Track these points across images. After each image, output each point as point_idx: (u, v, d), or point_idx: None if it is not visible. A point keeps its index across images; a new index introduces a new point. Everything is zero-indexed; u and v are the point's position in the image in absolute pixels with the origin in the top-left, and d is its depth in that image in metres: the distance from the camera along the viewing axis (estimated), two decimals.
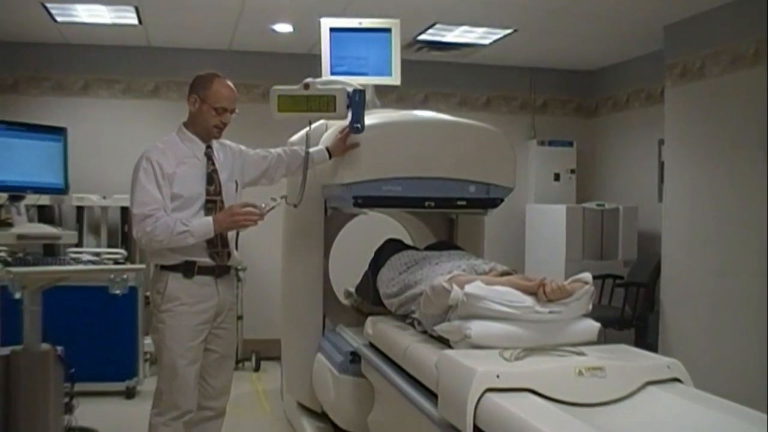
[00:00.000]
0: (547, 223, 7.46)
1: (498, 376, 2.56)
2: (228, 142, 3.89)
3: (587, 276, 3.13)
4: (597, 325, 3.13)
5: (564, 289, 3.04)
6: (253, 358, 6.94)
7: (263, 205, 3.59)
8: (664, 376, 2.76)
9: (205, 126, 3.67)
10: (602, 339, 3.15)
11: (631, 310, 6.33)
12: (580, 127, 8.36)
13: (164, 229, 3.46)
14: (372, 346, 3.94)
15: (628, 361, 2.83)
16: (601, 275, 6.67)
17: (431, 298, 3.25)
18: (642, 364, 2.80)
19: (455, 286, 3.09)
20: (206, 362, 3.71)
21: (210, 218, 3.57)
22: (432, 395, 2.96)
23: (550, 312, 3.01)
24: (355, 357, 4.01)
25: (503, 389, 2.54)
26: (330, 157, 4.09)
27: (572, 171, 8.07)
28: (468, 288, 3.04)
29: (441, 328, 3.17)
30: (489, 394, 2.53)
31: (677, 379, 2.77)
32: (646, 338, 6.40)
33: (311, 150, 4.03)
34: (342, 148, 4.05)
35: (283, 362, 4.98)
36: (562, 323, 3.05)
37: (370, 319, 4.05)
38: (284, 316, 4.90)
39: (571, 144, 8.08)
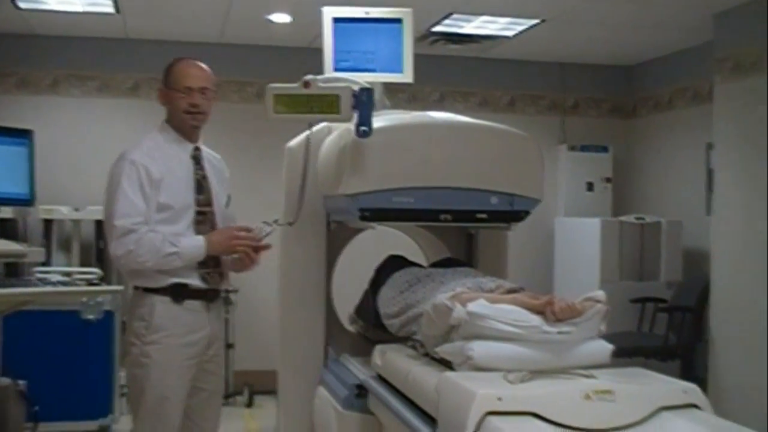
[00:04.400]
0: (579, 239, 7.61)
1: (500, 399, 2.74)
2: (217, 157, 3.96)
3: (600, 294, 3.30)
4: (609, 346, 3.29)
5: (574, 308, 3.20)
6: (246, 392, 7.09)
7: (259, 232, 3.76)
8: (680, 402, 2.93)
9: (177, 116, 3.75)
10: None
11: (676, 339, 6.45)
12: (617, 129, 8.50)
13: (149, 248, 3.49)
14: (380, 378, 3.97)
15: (641, 384, 3.02)
16: (641, 298, 6.90)
17: (433, 317, 3.40)
18: (656, 388, 2.99)
19: (458, 305, 3.24)
20: (194, 402, 3.74)
21: (202, 239, 3.62)
22: (435, 423, 3.10)
23: (559, 332, 3.16)
24: (361, 390, 4.04)
25: (505, 413, 2.73)
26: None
27: (608, 180, 8.18)
28: (471, 306, 3.20)
29: (443, 350, 3.32)
30: (490, 418, 2.71)
31: (695, 405, 2.94)
32: (694, 370, 6.49)
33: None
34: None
35: (280, 397, 4.96)
36: (571, 344, 3.21)
37: (378, 347, 4.06)
38: (281, 345, 4.89)
39: (606, 149, 8.21)
